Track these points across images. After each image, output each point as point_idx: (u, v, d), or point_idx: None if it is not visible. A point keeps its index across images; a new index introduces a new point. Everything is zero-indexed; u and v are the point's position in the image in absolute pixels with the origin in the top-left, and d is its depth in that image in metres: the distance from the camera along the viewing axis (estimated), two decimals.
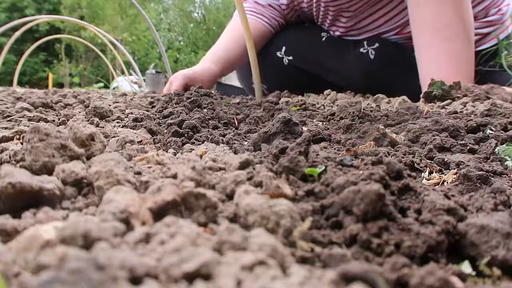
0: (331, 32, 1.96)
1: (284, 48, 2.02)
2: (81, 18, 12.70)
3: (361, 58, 1.83)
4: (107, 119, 0.94)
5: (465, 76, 1.36)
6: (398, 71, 1.74)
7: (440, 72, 1.33)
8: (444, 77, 1.28)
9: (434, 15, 1.38)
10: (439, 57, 1.38)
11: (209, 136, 0.74)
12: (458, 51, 1.37)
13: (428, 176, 0.54)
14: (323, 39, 1.96)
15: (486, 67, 1.63)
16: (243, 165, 0.45)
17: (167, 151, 0.62)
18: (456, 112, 1.04)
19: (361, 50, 1.84)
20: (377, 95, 1.58)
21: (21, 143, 0.60)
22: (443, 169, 0.57)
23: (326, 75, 1.97)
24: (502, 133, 0.70)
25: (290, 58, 2.01)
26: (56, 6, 14.34)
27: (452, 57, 1.37)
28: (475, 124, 0.78)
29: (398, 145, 0.67)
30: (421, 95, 1.48)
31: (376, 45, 1.81)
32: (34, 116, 0.85)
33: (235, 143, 0.68)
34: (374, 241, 0.30)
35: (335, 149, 0.64)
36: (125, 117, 0.98)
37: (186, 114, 0.91)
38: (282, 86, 1.92)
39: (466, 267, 0.29)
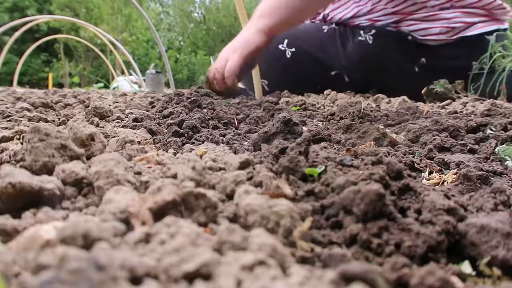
0: (335, 17, 2.01)
1: (286, 40, 2.04)
2: (76, 17, 12.69)
3: (360, 45, 1.90)
4: (107, 119, 0.94)
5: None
6: (395, 53, 1.80)
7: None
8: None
9: None
10: None
11: (209, 136, 0.74)
12: None
13: (428, 176, 0.54)
14: (325, 31, 2.01)
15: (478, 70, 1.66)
16: (243, 165, 0.45)
17: (167, 151, 0.62)
18: (456, 112, 1.04)
19: (359, 38, 1.90)
20: (377, 95, 1.58)
21: (21, 143, 0.60)
22: (443, 169, 0.57)
23: (328, 65, 2.00)
24: (502, 133, 0.70)
25: (293, 50, 2.03)
26: (52, 7, 14.34)
27: None
28: (475, 124, 0.78)
29: (398, 145, 0.67)
30: (422, 92, 1.50)
31: (373, 31, 1.87)
32: (34, 116, 0.85)
33: (235, 143, 0.68)
34: (374, 241, 0.30)
35: (335, 149, 0.64)
36: (125, 117, 0.98)
37: (186, 114, 0.91)
38: (285, 80, 1.94)
39: (466, 267, 0.29)
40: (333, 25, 2.02)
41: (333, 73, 2.00)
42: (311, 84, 1.95)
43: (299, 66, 2.04)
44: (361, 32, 1.89)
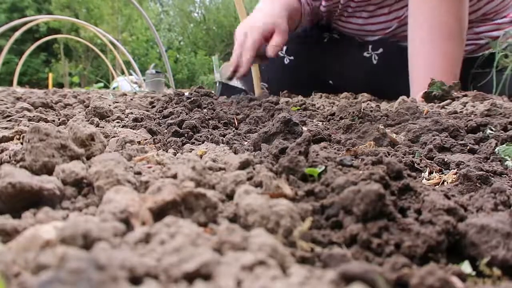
0: (344, 29, 1.95)
1: (285, 47, 2.02)
2: (76, 17, 12.70)
3: (364, 62, 1.85)
4: (107, 119, 0.94)
5: (454, 76, 1.38)
6: (399, 77, 1.75)
7: (434, 72, 1.33)
8: (437, 76, 1.29)
9: (432, 12, 1.37)
10: (434, 57, 1.38)
11: (209, 136, 0.74)
12: (452, 52, 1.38)
13: (428, 176, 0.54)
14: (325, 40, 1.97)
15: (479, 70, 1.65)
16: (243, 165, 0.45)
17: (167, 151, 0.62)
18: (456, 112, 1.04)
19: (365, 54, 1.85)
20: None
21: (21, 143, 0.60)
22: (443, 169, 0.57)
23: (326, 76, 1.98)
24: (502, 133, 0.70)
25: (291, 58, 2.02)
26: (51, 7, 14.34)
27: (446, 58, 1.38)
28: (475, 124, 0.78)
29: (398, 145, 0.67)
30: (421, 95, 1.49)
31: (380, 50, 1.81)
32: (34, 116, 0.85)
33: (235, 143, 0.68)
34: (374, 241, 0.30)
35: (335, 149, 0.64)
36: (125, 117, 0.98)
37: (186, 114, 0.91)
38: (283, 86, 1.92)
39: (466, 267, 0.29)
40: (335, 35, 1.98)
41: (331, 81, 1.99)
42: (308, 91, 1.94)
43: (297, 73, 2.02)
44: (369, 46, 1.82)
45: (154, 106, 1.26)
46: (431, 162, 0.59)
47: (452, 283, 0.23)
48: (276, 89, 1.92)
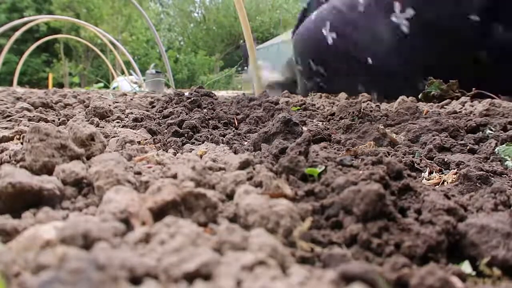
0: None
1: (328, 24, 2.04)
2: (77, 17, 12.70)
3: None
4: (107, 119, 0.94)
5: None
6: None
7: None
8: None
9: None
10: None
11: (209, 136, 0.74)
12: None
13: (428, 176, 0.54)
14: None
15: None
16: (243, 165, 0.45)
17: (167, 151, 0.62)
18: (455, 112, 1.04)
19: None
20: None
21: (21, 143, 0.60)
22: (443, 169, 0.57)
23: (362, 52, 1.98)
24: (501, 133, 0.70)
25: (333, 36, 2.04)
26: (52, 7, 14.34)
27: None
28: (475, 124, 0.78)
29: (398, 145, 0.67)
30: (419, 96, 1.49)
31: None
32: (34, 116, 0.85)
33: (235, 143, 0.68)
34: (374, 241, 0.30)
35: (335, 149, 0.64)
36: (125, 117, 0.98)
37: (186, 114, 0.91)
38: (324, 64, 1.96)
39: (466, 267, 0.29)
40: None
41: (364, 61, 1.96)
42: (347, 72, 1.93)
43: (337, 54, 2.02)
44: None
45: (154, 106, 1.26)
46: (431, 162, 0.59)
47: (452, 283, 0.23)
48: (315, 69, 1.93)
